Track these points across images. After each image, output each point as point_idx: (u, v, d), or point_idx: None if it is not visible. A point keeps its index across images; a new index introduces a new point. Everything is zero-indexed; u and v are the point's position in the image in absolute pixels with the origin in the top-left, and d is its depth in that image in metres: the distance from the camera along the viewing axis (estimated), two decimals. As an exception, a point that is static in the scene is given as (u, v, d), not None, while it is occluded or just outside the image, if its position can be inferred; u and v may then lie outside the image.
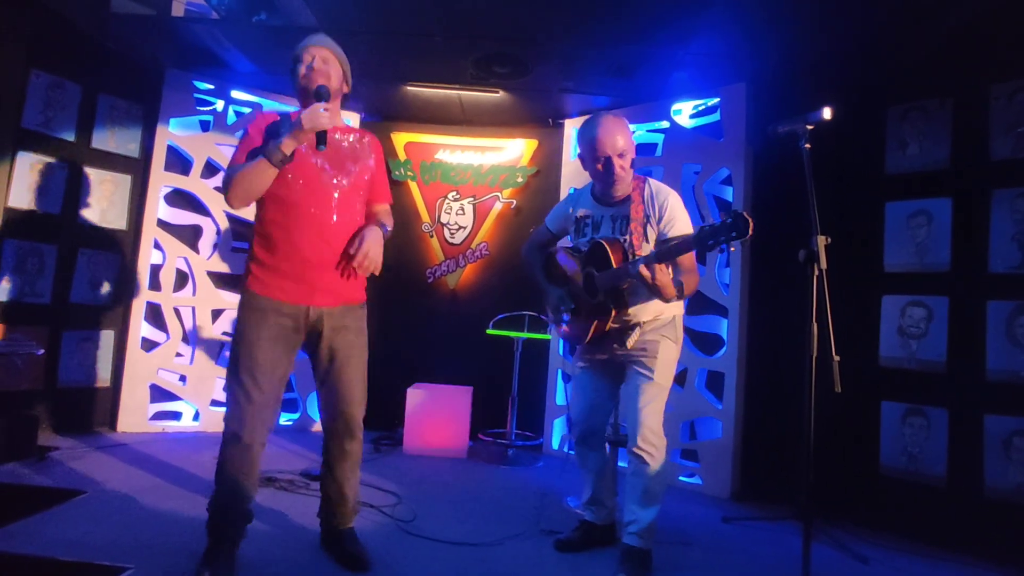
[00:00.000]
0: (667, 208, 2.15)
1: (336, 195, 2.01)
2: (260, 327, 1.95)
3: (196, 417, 3.93)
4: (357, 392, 2.09)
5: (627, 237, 2.13)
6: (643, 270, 1.88)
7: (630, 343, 2.19)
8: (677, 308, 2.25)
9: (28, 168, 3.39)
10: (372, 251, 1.97)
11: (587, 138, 2.17)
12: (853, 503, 2.95)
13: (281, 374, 1.99)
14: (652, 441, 2.11)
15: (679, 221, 2.15)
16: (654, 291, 1.94)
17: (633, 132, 3.88)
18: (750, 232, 1.69)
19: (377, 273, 2.02)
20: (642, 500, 2.14)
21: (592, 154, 2.18)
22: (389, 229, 2.14)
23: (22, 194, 3.37)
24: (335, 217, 1.99)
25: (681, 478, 3.46)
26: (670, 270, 1.93)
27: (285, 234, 1.96)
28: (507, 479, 3.40)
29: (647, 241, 2.16)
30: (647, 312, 2.19)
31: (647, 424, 2.12)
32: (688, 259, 2.10)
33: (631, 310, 2.17)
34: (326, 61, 2.02)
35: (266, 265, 1.98)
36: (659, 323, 2.21)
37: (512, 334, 3.85)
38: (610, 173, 2.16)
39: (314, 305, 1.98)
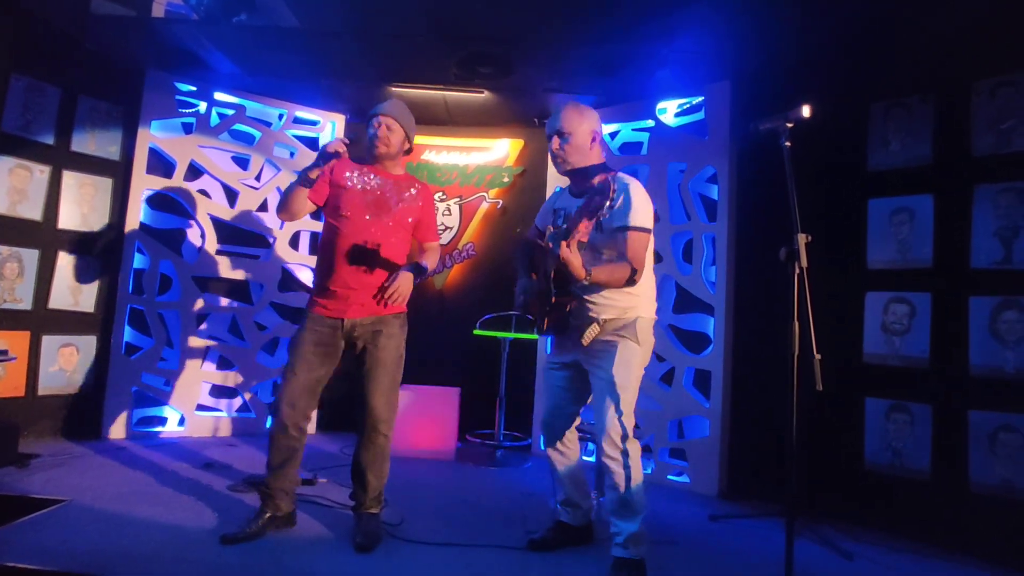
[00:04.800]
0: (622, 197, 2.11)
1: (377, 233, 2.39)
2: (306, 333, 2.38)
3: (181, 422, 3.90)
4: (381, 386, 2.38)
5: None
6: (562, 248, 1.91)
7: (585, 338, 2.17)
8: (644, 310, 2.21)
9: (7, 172, 3.36)
10: (401, 288, 2.36)
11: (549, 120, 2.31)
12: (838, 499, 2.96)
13: (317, 373, 2.39)
14: (619, 445, 2.08)
15: (634, 211, 2.11)
16: (566, 270, 1.94)
17: (617, 131, 3.95)
18: (610, 192, 1.84)
19: (402, 303, 2.42)
20: (620, 512, 2.10)
21: (547, 132, 2.31)
22: (429, 267, 2.51)
23: (1, 199, 3.33)
24: (374, 251, 2.38)
25: (669, 476, 3.46)
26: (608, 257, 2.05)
27: (331, 262, 2.38)
28: (495, 481, 3.39)
29: (600, 231, 2.13)
30: (608, 309, 2.18)
31: (610, 431, 2.09)
32: (631, 248, 2.09)
33: (591, 302, 2.17)
34: (390, 128, 2.46)
35: (317, 285, 2.45)
36: (620, 323, 2.18)
37: (499, 334, 3.84)
38: (550, 152, 2.29)
39: (347, 317, 2.37)
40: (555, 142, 2.25)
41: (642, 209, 2.14)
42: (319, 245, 2.53)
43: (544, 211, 2.52)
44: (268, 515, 2.33)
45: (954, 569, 2.44)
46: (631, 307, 2.19)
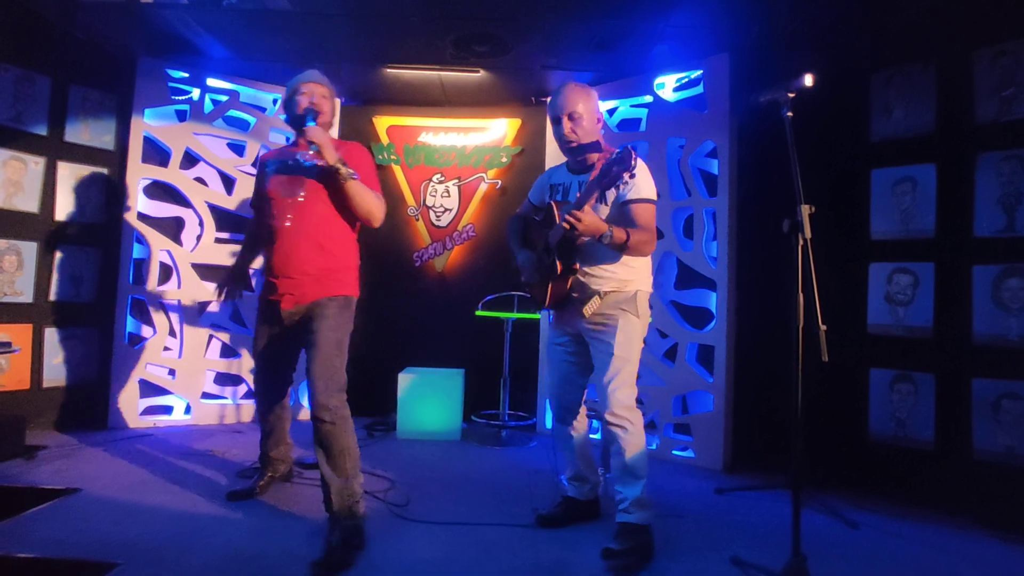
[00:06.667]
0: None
1: (292, 211, 2.29)
2: (261, 323, 2.46)
3: (187, 411, 3.91)
4: (316, 370, 2.18)
5: (579, 197, 2.15)
6: (568, 217, 2.01)
7: (588, 310, 2.21)
8: (642, 284, 2.27)
9: (1, 164, 3.32)
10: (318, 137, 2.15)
11: (551, 101, 2.34)
12: (843, 470, 2.98)
13: (281, 354, 2.48)
14: (623, 414, 2.14)
15: (637, 184, 2.17)
16: (574, 234, 2.05)
17: (616, 108, 3.91)
18: (632, 163, 1.90)
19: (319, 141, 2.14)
20: (624, 478, 2.16)
21: (551, 114, 2.33)
22: (358, 176, 2.23)
23: (-4, 191, 3.31)
24: (295, 233, 2.28)
25: (674, 452, 3.48)
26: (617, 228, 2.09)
27: (267, 252, 2.37)
28: (501, 460, 3.41)
29: (605, 204, 2.20)
30: (608, 282, 2.23)
31: (615, 398, 2.15)
32: (642, 217, 2.16)
33: (591, 275, 2.23)
34: (325, 96, 2.38)
35: (264, 274, 2.43)
36: (621, 296, 2.23)
37: (502, 315, 3.84)
38: (560, 134, 2.30)
39: (285, 308, 2.31)
40: (566, 125, 2.27)
41: (646, 181, 2.21)
42: None
43: (539, 187, 2.55)
44: (269, 475, 2.64)
45: (959, 536, 2.46)
46: (630, 280, 2.24)
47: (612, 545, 2.06)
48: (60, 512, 2.31)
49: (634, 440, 2.15)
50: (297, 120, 2.31)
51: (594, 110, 2.31)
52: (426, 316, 4.43)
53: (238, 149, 4.16)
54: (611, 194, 2.19)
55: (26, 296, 3.45)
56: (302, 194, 2.29)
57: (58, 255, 3.57)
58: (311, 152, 2.18)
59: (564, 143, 2.31)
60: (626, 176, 1.93)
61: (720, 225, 3.40)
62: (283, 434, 2.67)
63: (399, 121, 4.54)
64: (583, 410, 2.48)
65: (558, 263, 2.20)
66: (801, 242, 1.92)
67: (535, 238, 2.41)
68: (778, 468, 3.02)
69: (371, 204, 2.27)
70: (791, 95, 2.01)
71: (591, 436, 2.60)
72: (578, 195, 2.19)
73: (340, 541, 2.03)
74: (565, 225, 2.03)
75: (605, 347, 2.21)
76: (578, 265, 2.22)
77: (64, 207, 3.60)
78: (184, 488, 2.64)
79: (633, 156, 1.90)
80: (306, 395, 4.22)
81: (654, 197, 2.22)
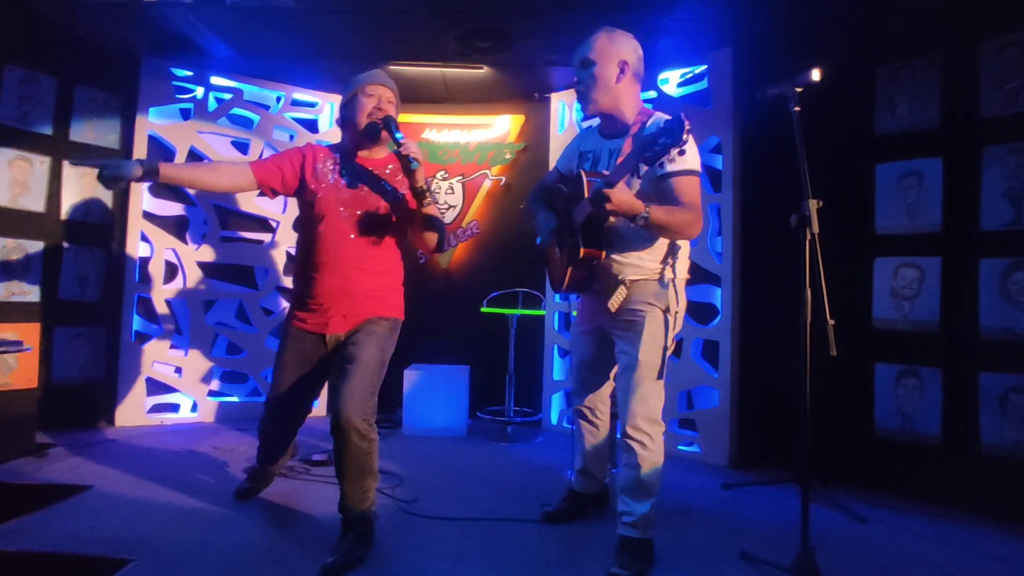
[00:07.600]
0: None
1: (359, 236, 2.12)
2: (285, 350, 2.24)
3: (194, 408, 3.93)
4: (356, 386, 1.98)
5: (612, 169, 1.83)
6: (597, 196, 1.71)
7: (613, 303, 1.96)
8: (676, 269, 2.02)
9: (8, 164, 3.33)
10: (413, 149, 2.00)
11: None
12: (850, 465, 2.99)
13: (304, 391, 2.27)
14: (643, 428, 1.96)
15: (681, 155, 1.83)
16: (607, 220, 1.86)
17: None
18: (684, 134, 1.55)
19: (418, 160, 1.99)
20: (635, 493, 1.98)
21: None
22: (440, 222, 2.21)
23: (2, 191, 3.31)
24: (357, 257, 2.12)
25: (680, 447, 3.48)
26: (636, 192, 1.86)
27: (309, 272, 2.16)
28: (507, 456, 3.42)
29: (637, 176, 1.92)
30: (635, 270, 1.99)
31: (636, 411, 1.96)
32: (686, 193, 1.86)
33: (617, 261, 1.99)
34: (391, 102, 2.21)
35: (295, 296, 2.25)
36: (650, 287, 1.98)
37: (507, 311, 3.84)
38: (575, 86, 2.08)
39: (329, 333, 2.17)
40: (576, 76, 2.02)
41: (691, 150, 1.88)
42: (296, 251, 2.32)
43: (568, 154, 2.29)
44: (271, 476, 2.58)
45: (966, 530, 2.47)
46: (662, 267, 1.99)
47: (616, 570, 1.91)
48: (72, 509, 2.32)
49: (651, 457, 1.96)
50: (368, 128, 2.14)
51: (615, 59, 1.96)
52: (431, 313, 4.43)
53: (242, 147, 4.16)
54: (646, 167, 1.86)
55: (33, 295, 3.46)
56: (370, 217, 2.13)
57: (64, 254, 3.58)
58: (412, 168, 1.96)
59: (577, 99, 2.07)
60: (674, 152, 1.61)
61: (725, 220, 3.40)
62: (290, 451, 2.62)
63: (402, 118, 4.39)
64: (607, 406, 2.37)
65: (581, 247, 1.91)
66: (809, 237, 1.92)
67: (559, 210, 2.16)
68: (783, 463, 3.03)
69: (441, 232, 2.20)
70: (799, 89, 2.01)
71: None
72: (606, 171, 1.90)
73: (351, 543, 2.00)
74: (606, 197, 1.71)
75: (630, 349, 1.99)
76: (604, 253, 1.95)
77: (70, 206, 3.61)
78: (192, 485, 2.66)
79: (686, 126, 1.54)
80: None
81: (699, 168, 1.90)
